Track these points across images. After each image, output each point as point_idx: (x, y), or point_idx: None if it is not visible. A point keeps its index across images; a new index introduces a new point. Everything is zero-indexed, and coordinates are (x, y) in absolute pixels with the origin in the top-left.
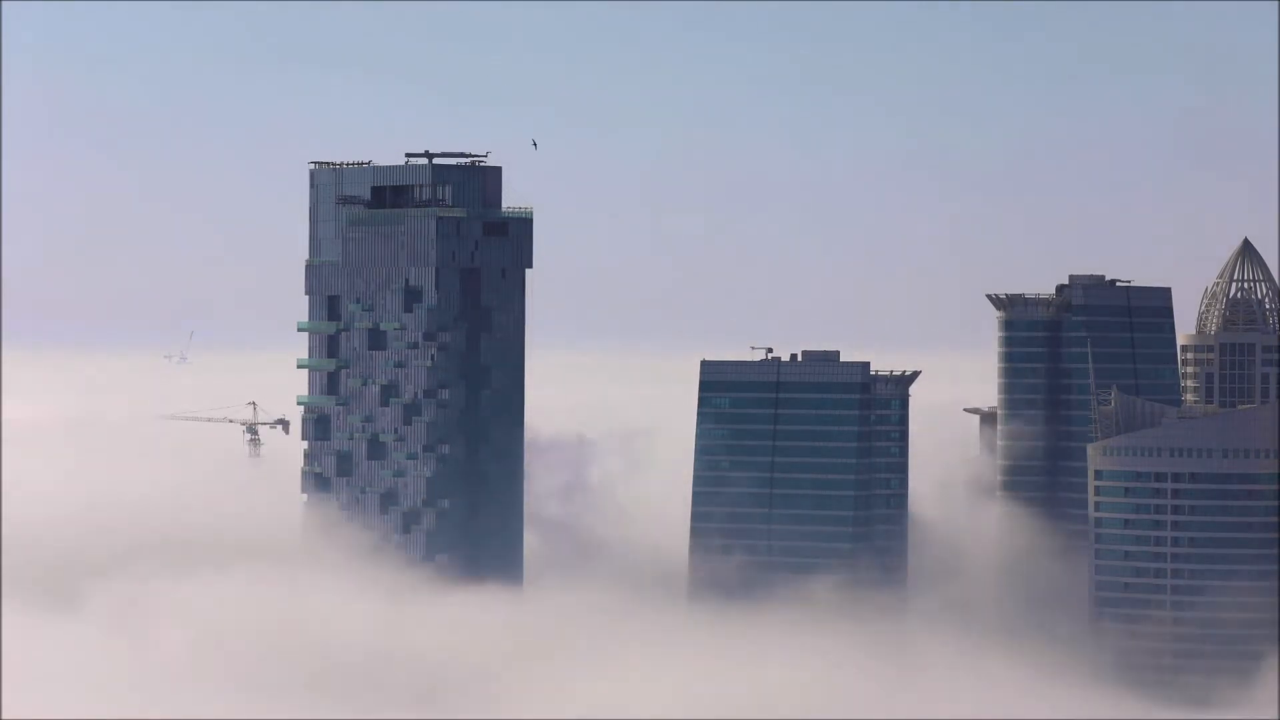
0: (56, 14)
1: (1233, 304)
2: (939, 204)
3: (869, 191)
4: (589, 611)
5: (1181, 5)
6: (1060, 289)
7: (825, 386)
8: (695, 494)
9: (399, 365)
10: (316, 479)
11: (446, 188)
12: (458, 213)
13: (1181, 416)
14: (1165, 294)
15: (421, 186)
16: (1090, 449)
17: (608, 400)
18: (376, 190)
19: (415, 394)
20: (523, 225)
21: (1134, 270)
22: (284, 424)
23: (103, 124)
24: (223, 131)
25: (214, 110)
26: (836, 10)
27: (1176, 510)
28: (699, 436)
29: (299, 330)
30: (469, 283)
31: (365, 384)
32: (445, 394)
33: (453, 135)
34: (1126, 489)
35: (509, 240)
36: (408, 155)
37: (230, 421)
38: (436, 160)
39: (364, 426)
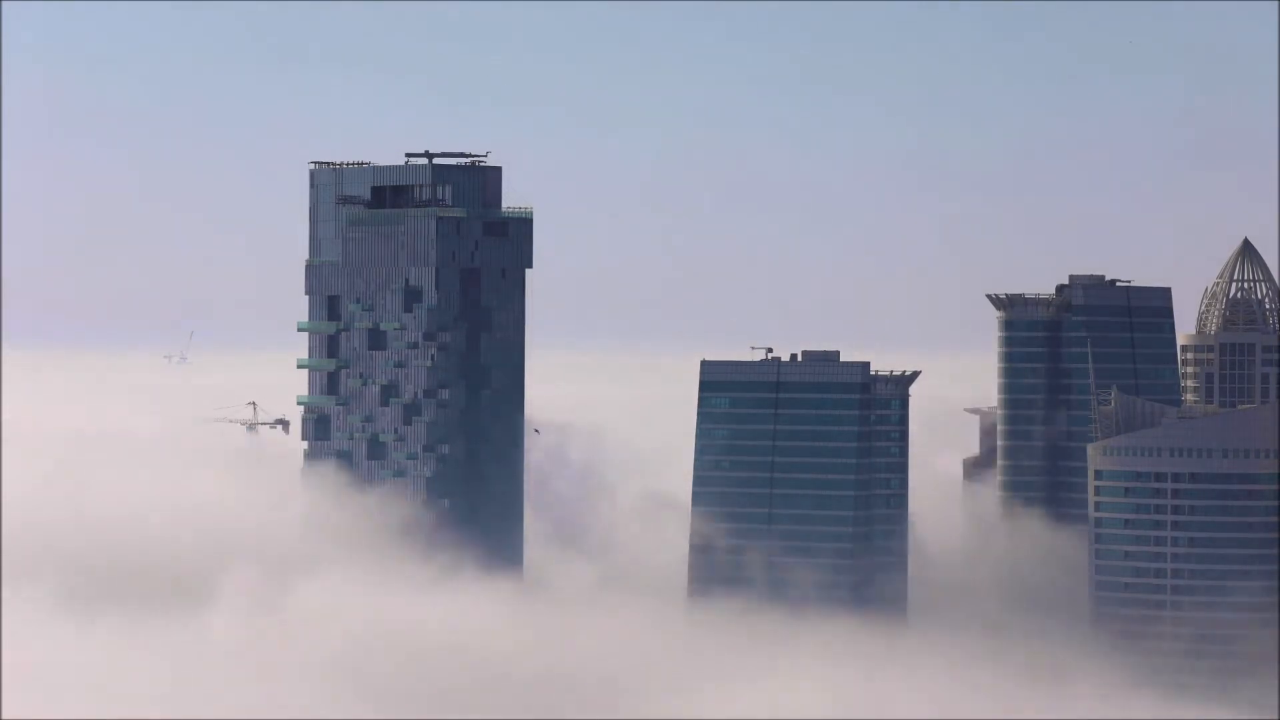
0: (56, 14)
1: (1233, 304)
2: (939, 204)
3: (869, 191)
4: (738, 621)
5: (1181, 5)
6: (1060, 289)
7: (825, 386)
8: (695, 494)
9: (399, 365)
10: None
11: (446, 188)
12: (458, 213)
13: (1181, 416)
14: (1165, 294)
15: (421, 186)
16: (1090, 449)
17: (608, 401)
18: (376, 190)
19: (415, 394)
20: (523, 225)
21: (1134, 270)
22: (284, 424)
23: (103, 124)
24: (223, 131)
25: (214, 110)
26: (836, 10)
27: (1176, 510)
28: (699, 436)
29: (299, 330)
30: (469, 283)
31: (365, 384)
32: (445, 394)
33: (453, 135)
34: (1126, 489)
35: (509, 240)
36: (408, 155)
37: (231, 421)
38: (436, 160)
39: (364, 426)
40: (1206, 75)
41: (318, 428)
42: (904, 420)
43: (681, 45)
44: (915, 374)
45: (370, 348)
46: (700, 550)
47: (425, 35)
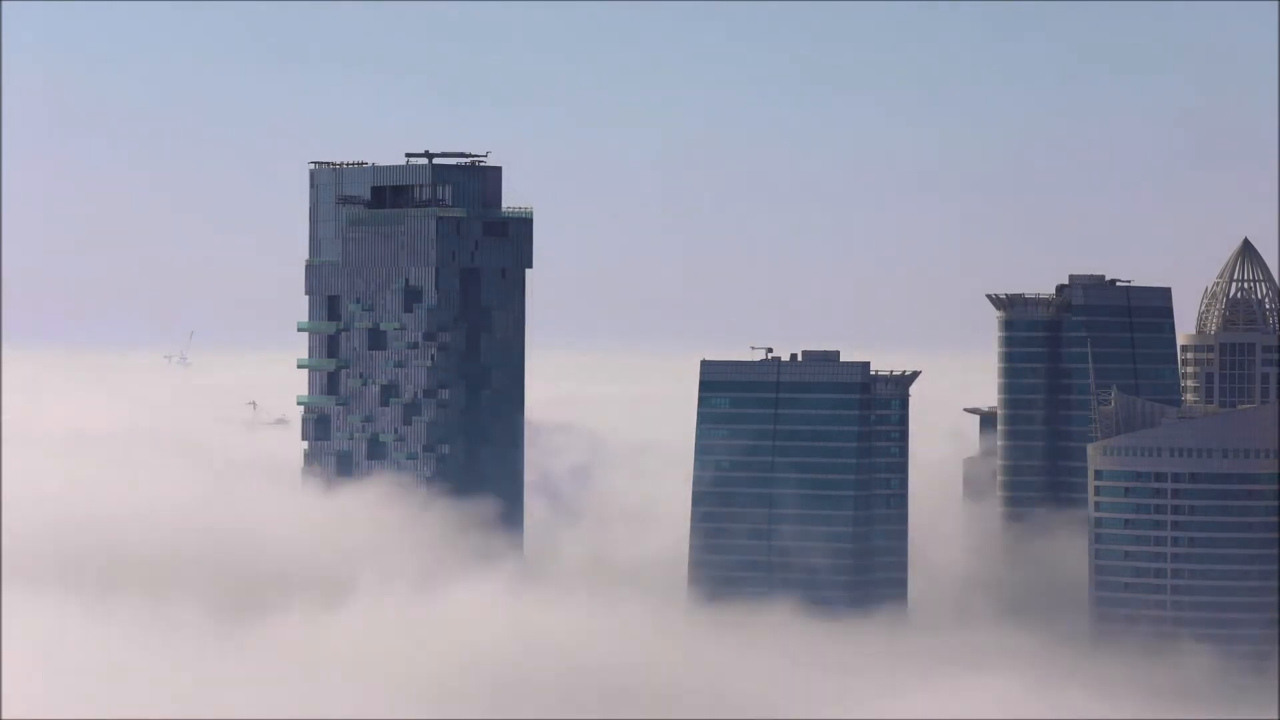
0: (56, 14)
1: (1233, 304)
2: (939, 204)
3: (869, 191)
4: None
5: (1181, 5)
6: (1060, 289)
7: (825, 386)
8: (695, 494)
9: (399, 365)
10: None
11: (446, 188)
12: (458, 213)
13: (1181, 416)
14: (1165, 294)
15: (421, 186)
16: (1090, 449)
17: (608, 400)
18: (376, 190)
19: (415, 394)
20: (523, 225)
21: (1134, 270)
22: (284, 423)
23: (103, 124)
24: (223, 131)
25: (214, 110)
26: (836, 10)
27: (1176, 510)
28: (699, 436)
29: (299, 330)
30: (469, 283)
31: (365, 384)
32: (445, 394)
33: (453, 135)
34: (1126, 489)
35: (509, 240)
36: (408, 155)
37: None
38: (436, 160)
39: (364, 426)
40: (1206, 75)
41: (318, 428)
42: (904, 420)
43: (681, 45)
44: (915, 374)
45: (370, 348)
46: (700, 550)
47: (425, 35)
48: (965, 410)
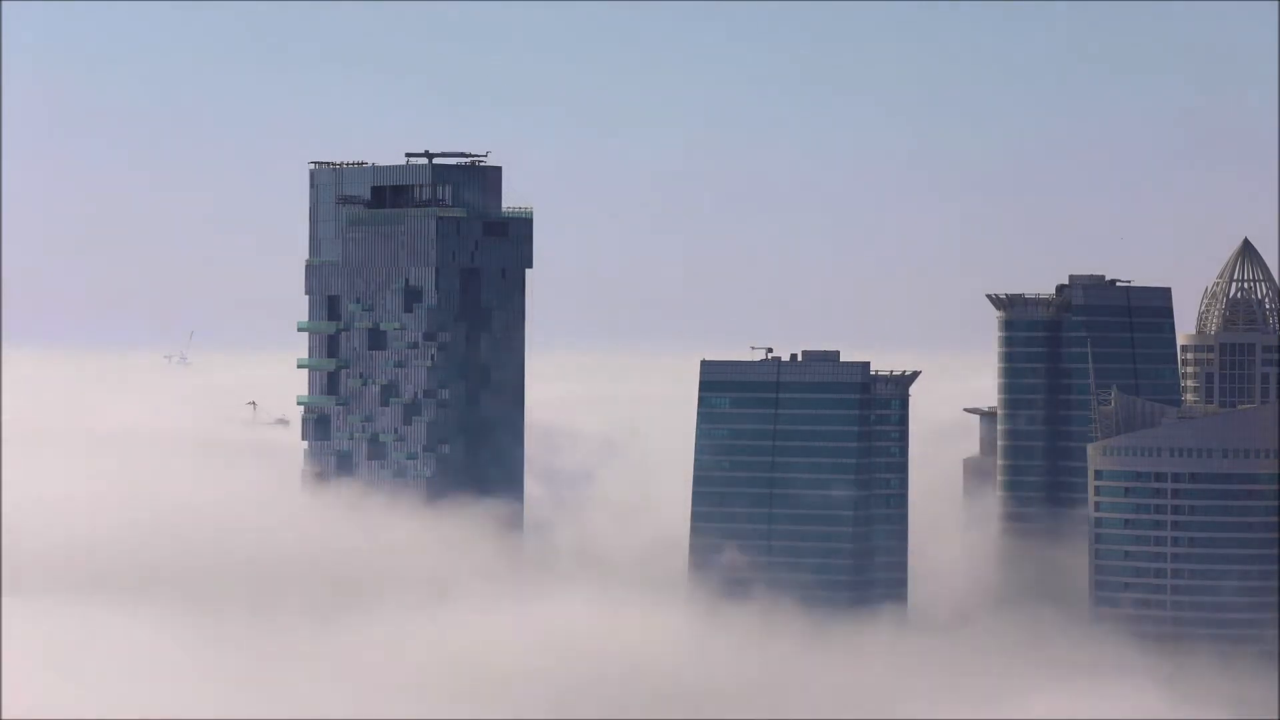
0: (56, 14)
1: (1233, 304)
2: (939, 204)
3: (869, 191)
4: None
5: (1181, 5)
6: (1060, 289)
7: (825, 386)
8: (695, 494)
9: (399, 365)
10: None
11: (446, 188)
12: (458, 213)
13: (1181, 416)
14: (1165, 294)
15: (421, 186)
16: (1090, 449)
17: (608, 400)
18: (376, 190)
19: (415, 394)
20: (523, 225)
21: (1134, 270)
22: (284, 423)
23: (103, 124)
24: (223, 131)
25: (214, 110)
26: (836, 10)
27: (1176, 510)
28: (699, 436)
29: (299, 330)
30: (469, 283)
31: (365, 384)
32: (445, 394)
33: (453, 135)
34: (1126, 489)
35: (509, 240)
36: (408, 155)
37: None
38: (436, 160)
39: (364, 426)
40: (1206, 75)
41: (318, 428)
42: (904, 420)
43: (682, 45)
44: (915, 374)
45: (370, 348)
46: (700, 550)
47: (425, 35)
48: (965, 410)
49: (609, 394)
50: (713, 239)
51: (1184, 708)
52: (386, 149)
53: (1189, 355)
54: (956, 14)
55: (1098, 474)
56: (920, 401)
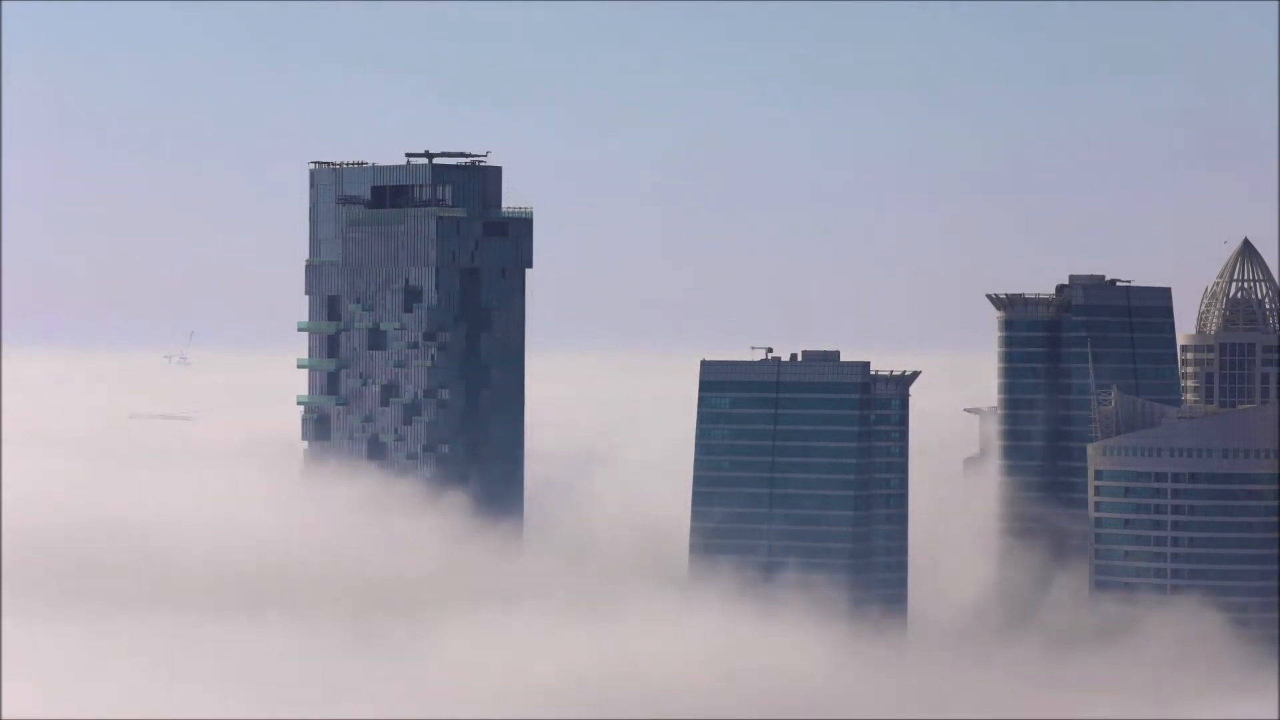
0: (56, 14)
1: (1233, 304)
2: (939, 204)
3: (869, 191)
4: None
5: (1181, 5)
6: (1060, 289)
7: (825, 386)
8: (695, 494)
9: (399, 365)
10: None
11: (446, 188)
12: (458, 213)
13: (1181, 416)
14: (1165, 294)
15: (421, 186)
16: (1090, 449)
17: (607, 400)
18: (376, 190)
19: (415, 394)
20: (523, 225)
21: (1134, 270)
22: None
23: (103, 124)
24: (223, 131)
25: (214, 110)
26: (836, 10)
27: (1176, 510)
28: (699, 436)
29: (299, 330)
30: (469, 283)
31: (365, 384)
32: (445, 394)
33: (453, 135)
34: (1126, 489)
35: (509, 240)
36: (408, 155)
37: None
38: (436, 160)
39: (364, 426)
40: (1206, 75)
41: (318, 428)
42: (904, 420)
43: (682, 45)
44: (915, 374)
45: (370, 348)
46: (700, 550)
47: (425, 35)
48: (965, 410)
49: (609, 394)
50: (713, 239)
51: (1184, 708)
52: (386, 149)
53: (1189, 355)
54: (956, 14)
55: (1098, 474)
56: (920, 401)
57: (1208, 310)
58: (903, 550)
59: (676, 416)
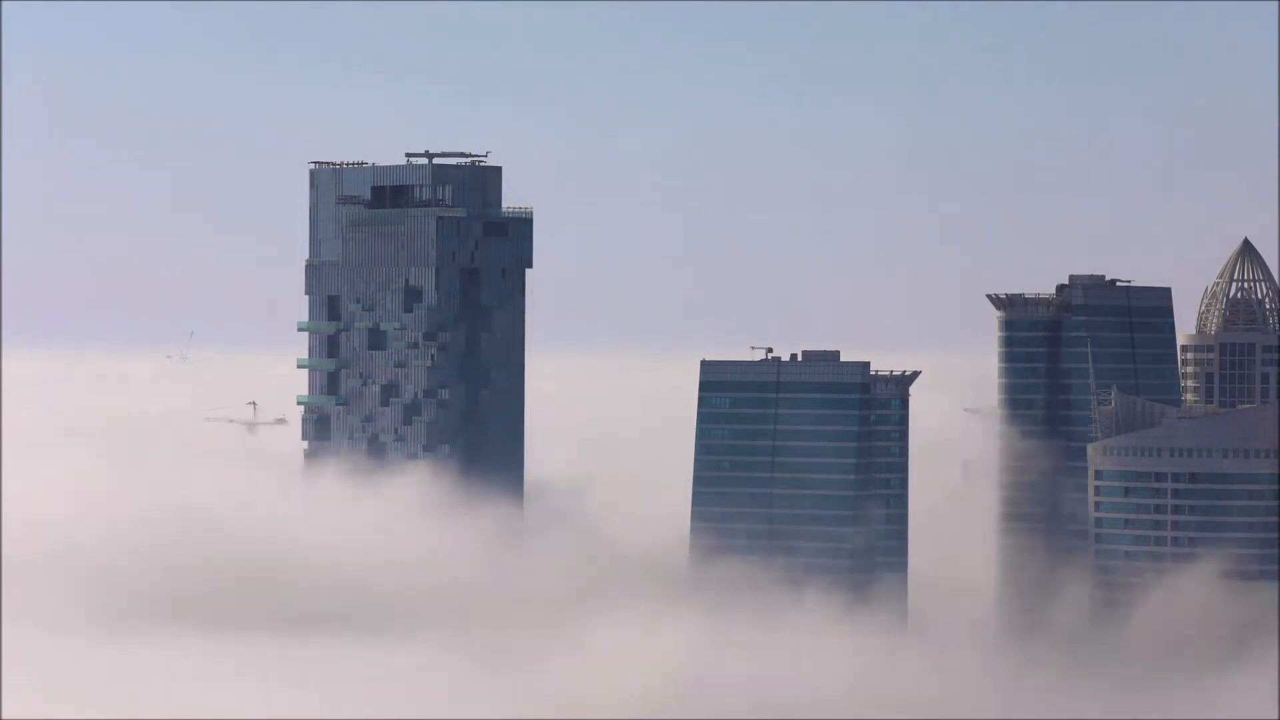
0: (56, 14)
1: (1233, 304)
2: (939, 204)
3: (869, 191)
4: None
5: (1181, 5)
6: (1060, 289)
7: (825, 386)
8: (695, 494)
9: (399, 365)
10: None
11: (446, 188)
12: (458, 213)
13: (1181, 416)
14: (1165, 294)
15: (421, 186)
16: (1090, 449)
17: (607, 400)
18: (376, 190)
19: (415, 394)
20: (523, 225)
21: (1134, 270)
22: (283, 423)
23: (103, 124)
24: (223, 131)
25: (214, 110)
26: (836, 10)
27: (1176, 510)
28: (699, 436)
29: (299, 330)
30: (469, 283)
31: (365, 384)
32: (445, 394)
33: (453, 135)
34: (1126, 489)
35: (509, 240)
36: (408, 155)
37: (231, 421)
38: (436, 160)
39: (364, 426)
40: (1206, 75)
41: (318, 428)
42: (904, 420)
43: (682, 45)
44: (915, 374)
45: (370, 348)
46: (700, 550)
47: (425, 35)
48: (965, 410)
49: (609, 394)
50: (713, 239)
51: (1184, 707)
52: (386, 149)
53: (1189, 355)
54: (956, 14)
55: (1098, 474)
56: (920, 401)
57: (1208, 310)
58: (903, 550)
59: (676, 416)
